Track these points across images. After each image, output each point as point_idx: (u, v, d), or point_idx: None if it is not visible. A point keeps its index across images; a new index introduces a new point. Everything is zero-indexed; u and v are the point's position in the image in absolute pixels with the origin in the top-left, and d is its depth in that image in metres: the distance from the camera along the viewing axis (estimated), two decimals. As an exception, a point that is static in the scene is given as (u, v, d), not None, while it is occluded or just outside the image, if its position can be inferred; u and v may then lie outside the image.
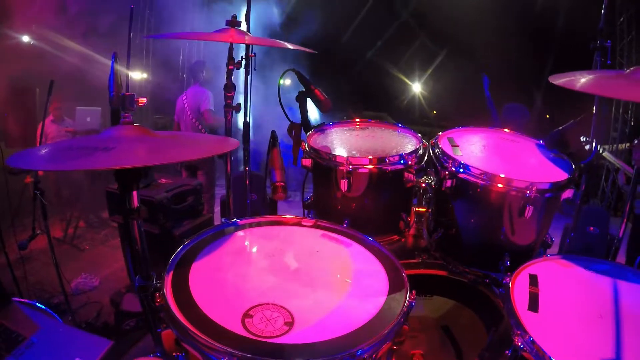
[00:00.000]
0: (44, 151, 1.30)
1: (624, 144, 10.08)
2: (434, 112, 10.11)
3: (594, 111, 3.61)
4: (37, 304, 2.06)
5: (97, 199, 5.26)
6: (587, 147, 2.42)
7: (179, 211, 3.08)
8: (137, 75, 8.50)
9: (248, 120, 2.01)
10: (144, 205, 1.35)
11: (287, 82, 2.22)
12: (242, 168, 2.34)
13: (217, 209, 4.71)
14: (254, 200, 2.25)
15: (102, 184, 4.26)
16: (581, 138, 2.41)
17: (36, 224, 3.45)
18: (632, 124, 9.67)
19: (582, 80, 1.67)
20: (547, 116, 8.89)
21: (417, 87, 10.18)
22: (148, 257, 1.42)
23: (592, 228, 4.59)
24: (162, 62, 8.79)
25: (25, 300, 2.07)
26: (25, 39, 7.01)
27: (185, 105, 4.70)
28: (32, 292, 3.81)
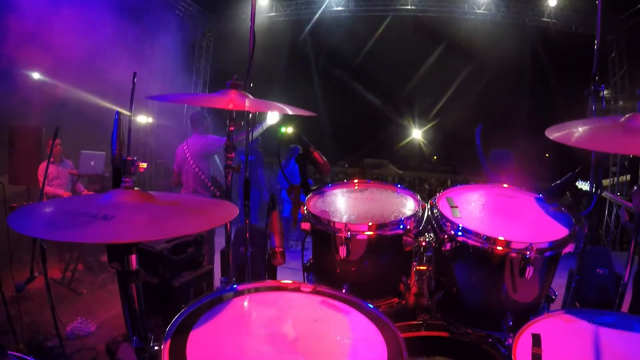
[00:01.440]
0: (47, 209, 1.31)
1: (624, 176, 10.11)
2: (435, 157, 10.27)
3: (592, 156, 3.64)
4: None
5: (97, 243, 5.24)
6: (585, 198, 2.43)
7: (178, 262, 3.06)
8: (143, 119, 8.68)
9: (248, 176, 2.03)
10: (143, 255, 1.34)
11: (289, 130, 2.25)
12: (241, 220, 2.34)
13: (218, 259, 4.66)
14: (253, 254, 2.23)
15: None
16: (578, 185, 2.42)
17: (34, 265, 3.43)
18: (631, 156, 9.74)
19: (576, 134, 1.70)
20: (547, 155, 9.00)
21: (417, 133, 10.35)
22: (145, 318, 1.40)
23: (599, 270, 4.54)
24: (167, 106, 9.01)
25: (21, 355, 2.03)
26: (36, 76, 7.21)
27: (187, 154, 4.59)
28: (26, 332, 3.73)
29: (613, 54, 9.54)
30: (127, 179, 1.42)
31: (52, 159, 5.67)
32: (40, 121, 5.97)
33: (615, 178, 10.01)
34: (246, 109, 1.68)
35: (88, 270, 5.55)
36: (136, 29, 7.77)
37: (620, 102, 9.44)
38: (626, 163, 9.99)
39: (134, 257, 1.31)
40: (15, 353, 2.02)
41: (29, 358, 2.02)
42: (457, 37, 9.62)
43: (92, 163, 5.52)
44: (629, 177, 9.95)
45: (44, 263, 3.24)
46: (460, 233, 1.67)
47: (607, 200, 9.65)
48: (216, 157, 4.72)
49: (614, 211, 9.59)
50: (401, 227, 1.77)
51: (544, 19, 9.80)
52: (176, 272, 3.04)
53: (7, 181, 5.51)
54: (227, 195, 1.93)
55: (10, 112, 6.43)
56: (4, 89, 6.45)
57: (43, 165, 5.63)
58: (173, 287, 2.98)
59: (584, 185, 2.65)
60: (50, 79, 7.26)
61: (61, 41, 6.66)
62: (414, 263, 2.03)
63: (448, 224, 1.71)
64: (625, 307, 2.62)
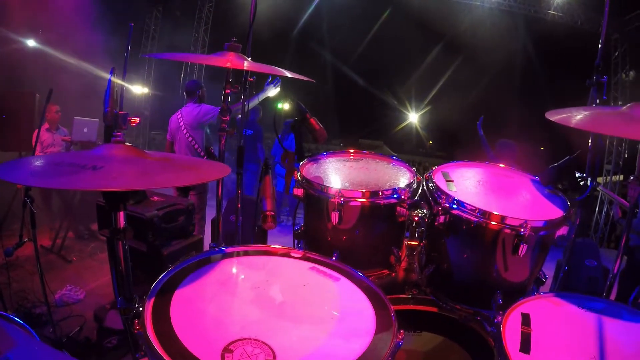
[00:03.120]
0: (37, 162, 1.28)
1: (617, 176, 10.19)
2: (430, 142, 10.25)
3: (589, 145, 3.63)
4: (15, 318, 1.99)
5: (88, 211, 5.21)
6: (582, 183, 2.42)
7: (169, 230, 3.02)
8: (138, 89, 8.54)
9: (242, 145, 1.99)
10: (134, 222, 1.32)
11: (285, 107, 2.22)
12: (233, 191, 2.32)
13: (208, 229, 4.64)
14: (243, 224, 2.21)
15: (94, 196, 4.22)
16: (576, 174, 2.41)
17: (24, 231, 3.41)
18: (626, 156, 9.79)
19: (578, 117, 1.68)
20: (542, 148, 9.01)
21: (413, 117, 10.30)
22: (132, 278, 1.38)
23: (588, 262, 4.59)
24: (163, 77, 8.88)
25: (3, 313, 2.01)
26: (31, 43, 7.06)
27: (181, 123, 4.57)
28: (15, 299, 3.73)
29: (617, 53, 9.50)
30: (119, 133, 1.38)
31: (47, 126, 5.61)
32: (33, 87, 5.86)
33: (609, 177, 10.07)
34: (245, 68, 1.64)
35: (78, 238, 5.54)
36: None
37: (620, 102, 9.45)
38: (620, 163, 10.05)
39: (122, 214, 1.28)
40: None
41: (10, 315, 1.99)
42: (461, 26, 9.53)
43: (85, 130, 5.44)
44: (622, 177, 10.02)
45: (34, 229, 3.21)
46: (455, 206, 1.65)
47: (599, 197, 9.73)
48: (207, 128, 4.68)
49: (605, 208, 9.67)
50: (395, 196, 1.75)
51: (550, 11, 9.72)
52: (166, 241, 3.01)
53: (-1, 148, 5.45)
54: (221, 160, 1.89)
55: (2, 78, 6.32)
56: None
57: (35, 131, 5.56)
58: (162, 255, 2.95)
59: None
60: (44, 44, 7.11)
61: (55, 5, 6.51)
62: (406, 237, 2.02)
63: (443, 196, 1.69)
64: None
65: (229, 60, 1.62)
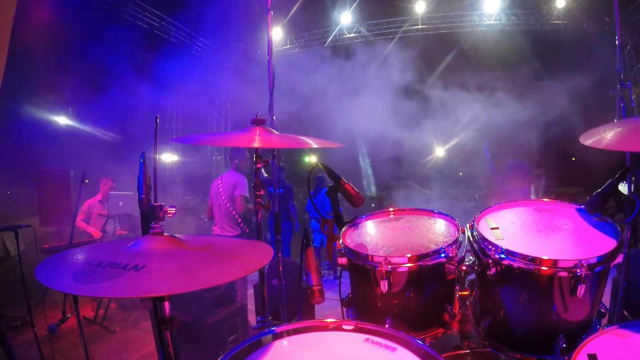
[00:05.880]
0: (77, 258, 1.30)
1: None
2: (460, 173, 10.08)
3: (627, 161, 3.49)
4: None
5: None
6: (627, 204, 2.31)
7: (211, 299, 3.03)
8: (168, 157, 8.81)
9: (277, 211, 2.00)
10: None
11: (312, 159, 2.23)
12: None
13: (250, 292, 4.62)
14: (287, 288, 2.19)
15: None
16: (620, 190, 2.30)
17: (66, 305, 3.46)
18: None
19: (609, 136, 1.64)
20: (573, 159, 8.76)
21: (440, 152, 10.22)
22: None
23: None
24: (193, 144, 9.16)
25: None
26: (62, 120, 7.46)
27: (220, 189, 4.70)
28: None
29: (628, 47, 9.28)
30: (156, 225, 1.41)
31: (100, 197, 5.89)
32: (68, 164, 6.15)
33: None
34: (273, 146, 1.66)
35: (121, 307, 5.57)
36: (157, 68, 8.02)
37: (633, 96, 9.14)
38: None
39: (166, 304, 1.28)
40: None
41: None
42: (470, 51, 9.59)
43: (121, 204, 5.65)
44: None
45: (76, 304, 3.27)
46: (504, 256, 1.59)
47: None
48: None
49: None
50: (443, 255, 1.70)
51: (553, 21, 9.68)
52: (209, 309, 3.00)
53: (37, 222, 5.68)
54: (258, 234, 1.90)
55: (38, 156, 6.66)
56: (32, 134, 6.71)
57: (88, 201, 5.83)
58: (207, 324, 2.94)
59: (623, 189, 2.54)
60: (76, 121, 7.51)
61: (85, 83, 6.92)
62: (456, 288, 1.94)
63: (491, 247, 1.64)
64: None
65: (255, 138, 1.64)
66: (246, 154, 4.83)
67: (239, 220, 4.67)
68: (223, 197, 4.66)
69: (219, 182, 4.76)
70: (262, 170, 2.09)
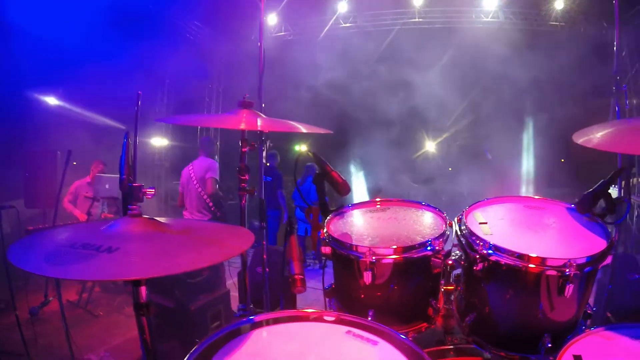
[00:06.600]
0: (55, 238, 1.26)
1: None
2: (450, 168, 10.09)
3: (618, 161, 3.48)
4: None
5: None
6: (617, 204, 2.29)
7: (195, 285, 2.99)
8: (157, 141, 8.71)
9: (263, 198, 1.95)
10: (159, 278, 1.26)
11: (303, 148, 2.19)
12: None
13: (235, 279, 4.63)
14: (270, 276, 2.15)
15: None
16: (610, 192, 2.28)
17: (49, 288, 3.42)
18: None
19: (599, 135, 1.64)
20: (562, 160, 8.82)
21: (430, 146, 10.24)
22: (157, 349, 1.33)
23: (630, 276, 4.36)
24: (181, 128, 9.06)
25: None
26: (50, 100, 7.31)
27: (192, 174, 4.75)
28: (41, 355, 3.68)
29: (624, 53, 9.31)
30: (134, 207, 1.36)
31: (89, 179, 5.79)
32: (54, 145, 6.03)
33: (637, 179, 9.69)
34: (258, 128, 1.61)
35: (105, 291, 5.51)
36: (148, 51, 7.88)
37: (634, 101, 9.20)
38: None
39: (143, 289, 1.24)
40: None
41: None
42: (466, 48, 9.55)
43: (107, 186, 5.56)
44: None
45: (58, 287, 3.22)
46: (491, 251, 1.56)
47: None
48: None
49: (636, 213, 9.27)
50: (429, 248, 1.66)
51: (551, 22, 9.66)
52: (193, 295, 2.97)
53: (23, 204, 5.57)
54: (241, 220, 1.84)
55: (24, 137, 6.53)
56: (17, 114, 6.56)
57: (76, 182, 5.74)
58: (189, 310, 2.90)
59: (613, 191, 2.53)
60: (64, 102, 7.36)
61: (75, 65, 6.77)
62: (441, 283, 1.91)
63: (479, 242, 1.60)
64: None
65: (242, 120, 1.59)
66: (217, 144, 4.94)
67: (210, 204, 4.71)
68: (194, 182, 4.70)
69: (190, 168, 4.82)
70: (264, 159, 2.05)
